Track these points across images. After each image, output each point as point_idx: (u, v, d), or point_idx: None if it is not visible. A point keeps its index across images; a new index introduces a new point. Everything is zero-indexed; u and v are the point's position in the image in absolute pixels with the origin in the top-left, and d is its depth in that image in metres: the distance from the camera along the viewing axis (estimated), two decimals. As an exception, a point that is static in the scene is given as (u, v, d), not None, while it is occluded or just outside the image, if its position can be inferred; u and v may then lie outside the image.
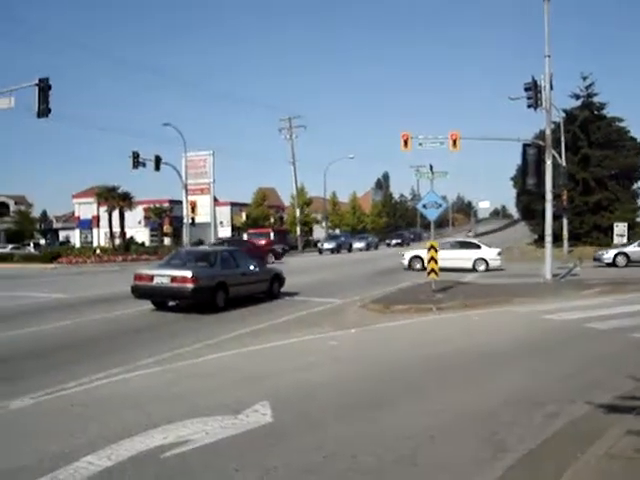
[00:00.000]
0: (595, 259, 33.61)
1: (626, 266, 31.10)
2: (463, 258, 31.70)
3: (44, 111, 25.53)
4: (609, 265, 31.64)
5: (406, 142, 28.20)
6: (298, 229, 69.12)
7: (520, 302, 17.32)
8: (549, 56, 22.55)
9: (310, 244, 70.36)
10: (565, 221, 39.29)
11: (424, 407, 7.29)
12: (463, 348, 11.22)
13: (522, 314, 15.54)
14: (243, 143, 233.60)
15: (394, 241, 78.01)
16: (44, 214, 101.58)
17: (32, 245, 71.66)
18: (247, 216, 79.49)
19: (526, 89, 23.31)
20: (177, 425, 6.51)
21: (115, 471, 5.36)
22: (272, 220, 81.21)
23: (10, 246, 65.92)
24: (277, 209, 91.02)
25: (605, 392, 7.74)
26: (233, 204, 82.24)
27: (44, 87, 25.30)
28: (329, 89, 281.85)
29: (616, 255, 32.55)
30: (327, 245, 61.89)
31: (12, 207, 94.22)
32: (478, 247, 33.39)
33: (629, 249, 33.12)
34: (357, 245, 66.60)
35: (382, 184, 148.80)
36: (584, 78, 57.11)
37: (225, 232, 74.43)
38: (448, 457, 5.68)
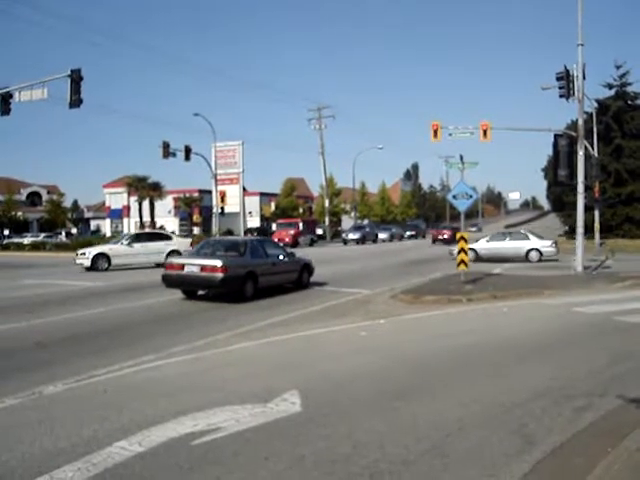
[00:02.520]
0: (450, 253, 32.18)
1: (474, 262, 28.61)
2: (156, 251, 29.74)
3: (76, 102, 25.84)
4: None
5: (436, 132, 28.10)
6: (327, 219, 69.14)
7: (550, 294, 17.17)
8: (582, 45, 22.21)
9: (339, 234, 70.26)
10: (597, 213, 38.75)
11: (453, 398, 7.28)
12: (492, 339, 11.17)
13: (552, 306, 15.40)
14: (272, 133, 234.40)
15: (408, 233, 75.98)
16: (75, 203, 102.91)
17: (64, 234, 72.65)
18: (276, 206, 79.79)
19: (558, 79, 22.99)
20: (207, 413, 6.59)
21: (147, 457, 5.45)
22: (301, 210, 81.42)
23: (42, 235, 66.89)
24: (306, 199, 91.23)
25: (637, 386, 7.66)
26: (262, 194, 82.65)
27: (76, 78, 25.60)
28: (358, 80, 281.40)
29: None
30: (352, 236, 61.45)
31: (44, 196, 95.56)
32: (169, 238, 32.12)
33: (478, 245, 32.18)
34: (381, 236, 66.01)
35: (411, 174, 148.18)
36: (618, 67, 56.32)
37: (254, 222, 74.83)
38: (477, 449, 5.67)
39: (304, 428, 6.21)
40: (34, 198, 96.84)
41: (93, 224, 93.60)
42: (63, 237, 67.59)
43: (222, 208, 52.70)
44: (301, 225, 58.68)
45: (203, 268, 16.40)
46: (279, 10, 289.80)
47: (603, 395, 7.32)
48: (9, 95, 27.46)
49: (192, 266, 16.70)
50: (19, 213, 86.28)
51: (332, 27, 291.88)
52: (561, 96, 22.89)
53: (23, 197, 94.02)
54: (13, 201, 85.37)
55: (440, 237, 57.87)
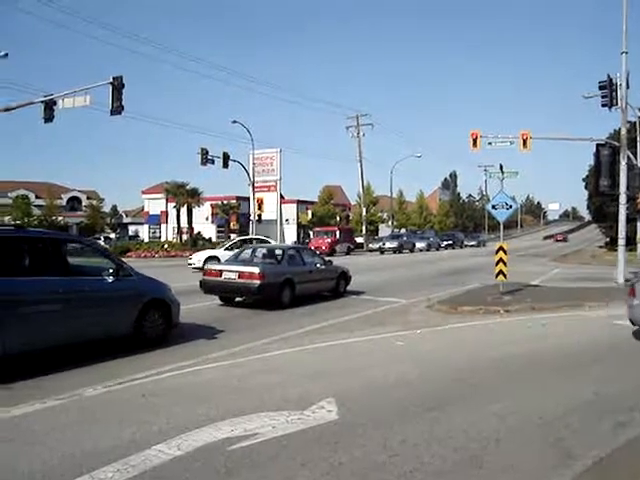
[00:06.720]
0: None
1: None
2: None
3: (117, 109, 26.36)
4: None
5: (475, 141, 27.88)
6: (364, 228, 69.00)
7: (590, 307, 16.91)
8: (626, 52, 21.88)
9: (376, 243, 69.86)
10: (639, 224, 38.09)
11: (490, 410, 7.21)
12: (530, 352, 11.03)
13: (592, 319, 15.17)
14: (310, 141, 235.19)
15: (445, 242, 74.47)
16: (114, 209, 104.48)
17: (103, 239, 73.64)
18: (313, 214, 79.79)
19: (601, 87, 22.70)
20: (244, 419, 6.63)
21: (184, 460, 5.50)
22: (338, 218, 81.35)
23: (82, 239, 67.76)
24: (343, 207, 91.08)
25: (680, 402, 7.50)
26: (299, 202, 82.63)
27: (117, 86, 26.12)
28: (397, 88, 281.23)
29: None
30: (389, 244, 60.95)
31: (84, 202, 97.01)
32: None
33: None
34: (419, 245, 65.09)
35: (449, 183, 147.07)
36: (663, 76, 55.24)
37: (291, 230, 74.93)
38: (514, 461, 5.61)
39: (340, 436, 6.21)
40: (74, 203, 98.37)
41: (132, 229, 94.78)
42: (102, 242, 68.52)
43: (259, 215, 52.97)
44: (338, 233, 58.61)
45: (241, 275, 16.52)
46: (322, 21, 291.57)
47: (645, 410, 7.19)
48: (53, 102, 28.10)
49: (230, 272, 16.82)
50: (59, 218, 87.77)
51: (372, 39, 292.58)
52: (604, 105, 22.61)
53: (64, 202, 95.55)
54: (54, 206, 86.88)
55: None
